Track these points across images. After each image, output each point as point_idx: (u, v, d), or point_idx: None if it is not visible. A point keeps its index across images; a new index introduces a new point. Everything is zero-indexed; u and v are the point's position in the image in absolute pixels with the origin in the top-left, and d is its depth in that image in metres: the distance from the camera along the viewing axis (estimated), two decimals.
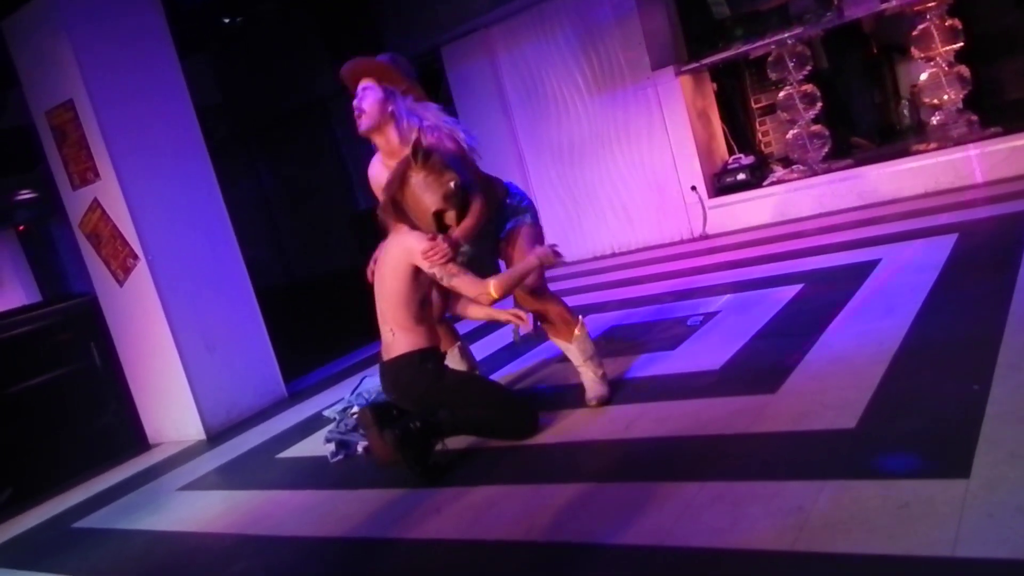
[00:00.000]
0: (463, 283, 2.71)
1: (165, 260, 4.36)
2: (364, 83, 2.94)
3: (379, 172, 3.02)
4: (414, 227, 2.75)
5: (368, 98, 2.92)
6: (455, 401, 2.83)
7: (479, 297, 2.74)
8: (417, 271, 2.74)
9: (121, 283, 4.44)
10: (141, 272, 4.33)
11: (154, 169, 4.39)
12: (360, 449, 3.30)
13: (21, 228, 11.27)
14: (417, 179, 2.70)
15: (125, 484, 3.96)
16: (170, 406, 4.51)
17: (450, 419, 2.79)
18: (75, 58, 4.16)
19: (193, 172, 4.59)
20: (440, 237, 2.71)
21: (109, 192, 4.31)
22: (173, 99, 4.56)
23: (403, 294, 2.76)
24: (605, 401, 2.96)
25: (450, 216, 2.74)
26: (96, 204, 4.40)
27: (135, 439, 4.64)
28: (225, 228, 4.70)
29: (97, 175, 4.32)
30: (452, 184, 2.68)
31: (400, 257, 2.74)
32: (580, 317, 3.09)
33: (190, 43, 5.80)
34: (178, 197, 4.49)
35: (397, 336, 2.81)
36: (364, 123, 2.94)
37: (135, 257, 4.31)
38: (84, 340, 4.61)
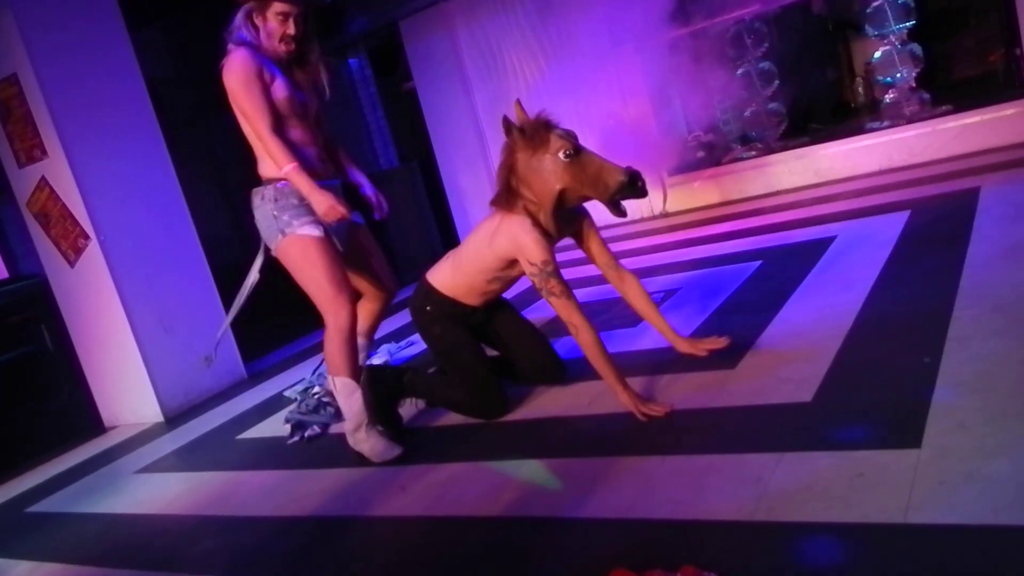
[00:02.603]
0: (560, 305, 2.51)
1: (118, 240, 4.26)
2: (297, 10, 2.71)
3: (253, 66, 2.66)
4: (536, 210, 2.53)
5: (301, 28, 2.74)
6: (437, 354, 2.86)
7: (568, 327, 2.55)
8: (514, 262, 2.61)
9: (72, 264, 4.33)
10: (93, 252, 4.22)
11: (104, 145, 4.28)
12: (318, 430, 3.29)
13: None
14: (524, 159, 2.50)
15: (81, 468, 3.89)
16: (126, 388, 4.43)
17: (422, 384, 2.87)
18: (19, 30, 4.02)
19: (145, 148, 4.48)
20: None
21: (57, 170, 4.18)
22: (124, 73, 4.44)
23: (481, 265, 2.67)
24: None
25: (574, 192, 2.49)
26: (44, 183, 4.27)
27: (90, 422, 4.55)
28: (180, 205, 4.60)
29: (44, 152, 4.19)
30: (562, 153, 2.44)
31: (505, 246, 2.57)
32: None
33: (142, 14, 5.62)
34: (130, 174, 4.38)
35: (442, 269, 2.78)
36: (292, 52, 2.75)
37: (86, 237, 4.21)
38: (35, 322, 4.49)
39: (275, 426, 3.56)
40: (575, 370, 3.00)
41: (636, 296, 2.72)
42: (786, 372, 2.50)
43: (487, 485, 2.35)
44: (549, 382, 2.96)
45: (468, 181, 7.24)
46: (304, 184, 2.63)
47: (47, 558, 2.81)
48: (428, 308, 2.79)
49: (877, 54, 5.79)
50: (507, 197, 2.56)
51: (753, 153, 6.09)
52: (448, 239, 7.30)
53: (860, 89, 7.03)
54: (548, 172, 2.46)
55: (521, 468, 2.40)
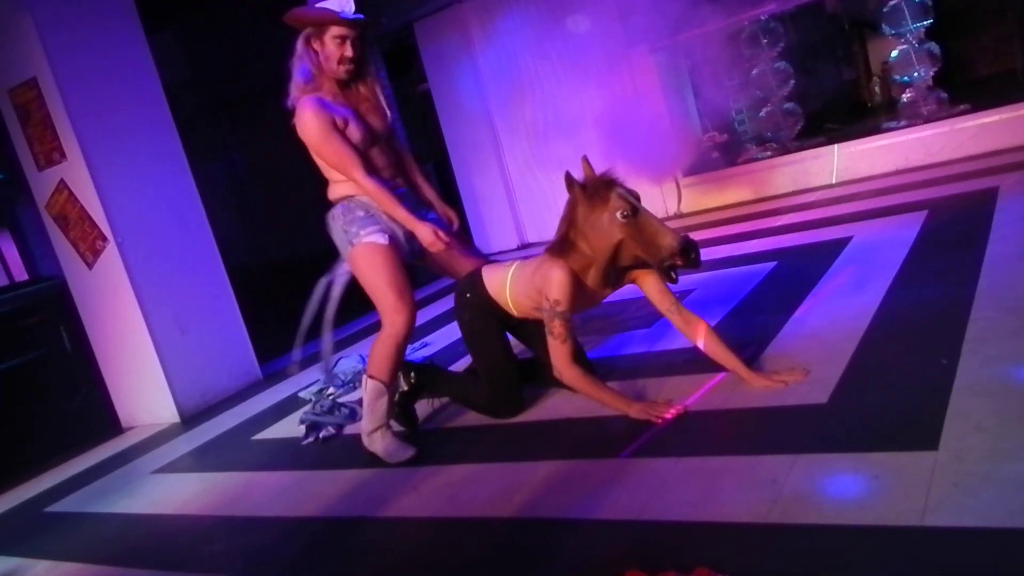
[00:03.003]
0: (554, 347, 2.59)
1: (135, 242, 4.30)
2: (355, 33, 2.76)
3: (326, 118, 2.72)
4: (588, 263, 2.57)
5: (358, 49, 2.79)
6: (465, 341, 2.89)
7: (553, 369, 2.64)
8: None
9: (90, 266, 4.37)
10: (111, 254, 4.26)
11: (122, 149, 4.32)
12: (332, 431, 3.30)
13: None
14: (584, 214, 2.53)
15: (98, 468, 3.92)
16: (143, 389, 4.46)
17: (440, 380, 2.96)
18: (38, 35, 4.07)
19: (162, 151, 4.51)
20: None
21: (76, 173, 4.23)
22: (140, 76, 4.48)
23: (524, 290, 2.70)
24: None
25: (628, 251, 2.51)
26: (63, 185, 4.31)
27: (108, 423, 4.59)
28: (196, 208, 4.64)
29: (63, 155, 4.23)
30: (620, 213, 2.46)
31: (540, 280, 2.61)
32: None
33: (157, 18, 5.68)
34: (147, 177, 4.42)
35: (498, 274, 2.79)
36: (351, 72, 2.79)
37: (104, 239, 4.24)
38: (53, 323, 4.54)
39: (290, 427, 3.57)
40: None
41: (706, 340, 2.64)
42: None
43: (499, 486, 2.35)
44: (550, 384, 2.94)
45: (482, 182, 7.24)
46: (403, 218, 2.74)
47: (65, 557, 2.84)
48: (468, 295, 2.82)
49: (894, 53, 5.74)
50: (561, 246, 2.60)
51: (768, 153, 6.06)
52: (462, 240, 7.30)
53: (877, 88, 6.98)
54: (605, 230, 2.50)
55: (533, 470, 2.40)
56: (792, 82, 6.00)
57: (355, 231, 2.79)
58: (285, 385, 4.47)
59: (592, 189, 2.51)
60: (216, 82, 8.61)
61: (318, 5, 2.73)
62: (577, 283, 2.58)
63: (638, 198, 2.54)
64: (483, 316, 2.80)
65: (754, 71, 6.07)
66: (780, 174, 5.83)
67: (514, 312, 2.79)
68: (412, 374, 3.01)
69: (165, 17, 7.22)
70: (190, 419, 4.34)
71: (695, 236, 5.21)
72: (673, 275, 2.52)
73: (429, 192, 3.09)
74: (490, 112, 7.01)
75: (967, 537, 1.50)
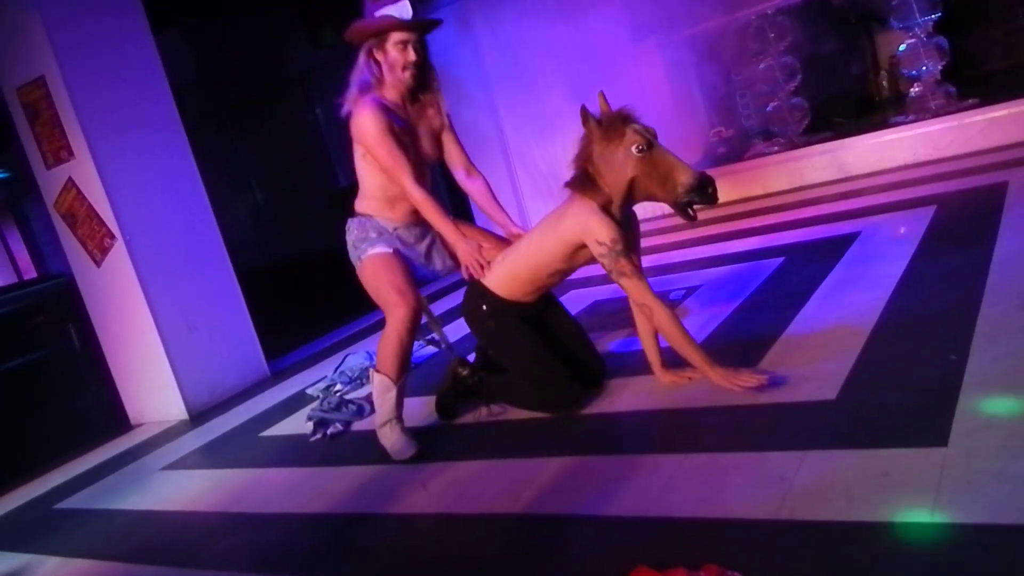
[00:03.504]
0: (631, 285, 2.51)
1: (143, 240, 4.31)
2: (415, 35, 2.77)
3: (385, 120, 2.74)
4: (608, 200, 2.52)
5: (421, 52, 2.80)
6: (493, 350, 2.86)
7: (642, 308, 2.56)
8: (580, 248, 2.58)
9: (98, 263, 4.38)
10: (119, 252, 4.27)
11: (130, 147, 4.32)
12: (340, 427, 3.31)
13: None
14: (599, 150, 2.50)
15: (107, 465, 3.94)
16: (152, 387, 4.48)
17: (495, 384, 2.89)
18: (46, 33, 4.07)
19: (170, 150, 4.52)
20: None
21: (84, 171, 4.24)
22: (148, 75, 4.48)
23: (545, 256, 2.64)
24: None
25: (643, 187, 2.47)
26: (71, 183, 4.33)
27: (117, 420, 4.61)
28: (203, 207, 4.65)
29: (71, 154, 4.24)
30: (635, 148, 2.43)
31: (572, 229, 2.55)
32: None
33: (164, 18, 5.68)
34: (155, 176, 4.42)
35: (496, 271, 2.75)
36: (416, 77, 2.81)
37: (112, 237, 4.26)
38: (62, 321, 4.56)
39: (297, 424, 3.58)
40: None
41: (646, 331, 2.70)
42: (809, 370, 2.47)
43: (508, 483, 2.35)
44: (588, 384, 2.88)
45: (487, 174, 7.20)
46: (445, 229, 2.80)
47: (74, 554, 2.85)
48: (484, 307, 2.76)
49: (902, 47, 5.71)
50: (583, 183, 2.56)
51: (775, 148, 6.04)
52: None
53: (885, 83, 6.94)
54: (620, 165, 2.46)
55: (542, 466, 2.40)
56: (799, 76, 5.98)
57: (364, 247, 2.87)
58: (292, 382, 4.48)
59: (607, 123, 2.48)
60: (223, 82, 8.62)
61: (377, 14, 2.75)
62: (617, 221, 2.52)
63: (655, 135, 2.50)
64: (507, 320, 2.75)
65: (761, 65, 6.04)
66: (787, 169, 5.81)
67: (530, 299, 2.74)
68: (476, 377, 2.95)
69: (172, 15, 7.22)
70: (198, 416, 4.36)
71: (700, 233, 5.22)
72: (691, 212, 2.48)
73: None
74: (495, 106, 7.00)
75: (977, 534, 1.49)
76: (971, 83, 5.78)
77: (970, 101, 5.29)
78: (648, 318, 2.57)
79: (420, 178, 2.82)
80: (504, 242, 2.95)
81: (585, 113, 2.52)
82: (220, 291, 4.65)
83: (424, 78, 2.87)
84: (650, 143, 2.45)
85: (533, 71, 6.68)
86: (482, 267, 2.76)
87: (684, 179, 2.41)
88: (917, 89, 5.61)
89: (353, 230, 2.93)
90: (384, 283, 2.79)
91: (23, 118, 4.39)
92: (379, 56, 2.78)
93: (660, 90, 6.13)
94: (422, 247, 2.97)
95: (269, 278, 7.76)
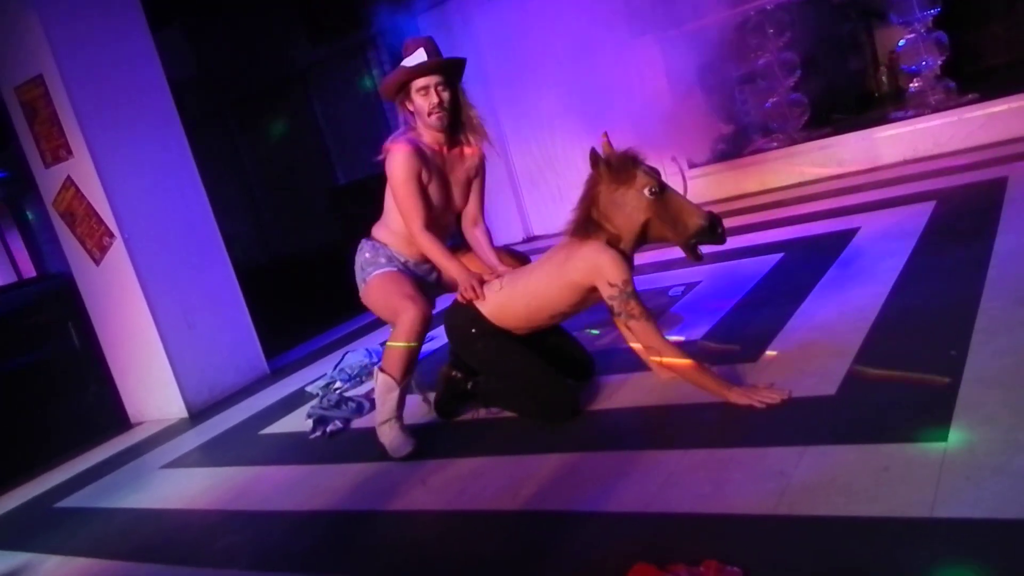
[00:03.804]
0: (640, 328, 2.45)
1: (142, 238, 4.30)
2: (438, 77, 2.79)
3: (415, 165, 2.80)
4: (616, 239, 2.49)
5: (447, 93, 2.82)
6: (485, 370, 2.82)
7: (648, 351, 2.53)
8: (590, 290, 2.53)
9: (98, 262, 4.38)
10: (118, 251, 4.27)
11: (128, 146, 4.32)
12: (340, 425, 3.31)
13: None
14: (607, 193, 2.48)
15: (107, 463, 3.94)
16: (151, 385, 4.48)
17: (491, 390, 2.85)
18: (44, 32, 4.07)
19: (169, 148, 4.52)
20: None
21: (83, 170, 4.23)
22: (146, 73, 4.47)
23: (549, 300, 2.60)
24: None
25: (655, 229, 2.47)
26: (69, 182, 4.32)
27: (116, 418, 4.61)
28: (203, 204, 4.64)
29: (70, 152, 4.24)
30: (648, 190, 2.42)
31: (581, 269, 2.50)
32: None
33: (164, 16, 5.68)
34: (154, 174, 4.42)
35: (493, 298, 2.70)
36: (446, 119, 2.85)
37: (111, 235, 4.25)
38: (62, 320, 4.56)
39: (297, 421, 3.58)
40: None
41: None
42: (809, 365, 2.47)
43: (507, 479, 2.35)
44: (579, 377, 2.91)
45: (487, 175, 7.21)
46: (452, 269, 2.85)
47: (75, 553, 2.86)
48: (474, 330, 2.72)
49: (901, 42, 5.70)
50: (585, 228, 2.54)
51: (775, 144, 6.03)
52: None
53: (884, 78, 6.93)
54: (632, 208, 2.46)
55: (541, 463, 2.40)
56: (798, 72, 5.97)
57: (370, 270, 2.92)
58: (292, 380, 4.48)
59: (617, 166, 2.46)
60: (223, 80, 8.61)
61: (401, 65, 2.81)
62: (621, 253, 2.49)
63: (659, 175, 2.51)
64: (493, 337, 2.71)
65: (760, 61, 6.03)
66: (787, 165, 5.80)
67: (524, 332, 2.72)
68: (469, 383, 2.91)
69: (171, 13, 7.22)
70: (198, 414, 4.36)
71: None
72: (699, 252, 2.50)
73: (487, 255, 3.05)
74: (494, 104, 6.99)
75: (977, 529, 1.49)
76: (971, 78, 5.77)
77: (970, 96, 5.28)
78: (656, 361, 2.55)
79: (440, 221, 2.92)
80: (513, 265, 2.97)
81: (595, 155, 2.49)
82: (219, 289, 4.65)
83: (459, 120, 2.91)
84: (662, 185, 2.46)
85: (531, 68, 6.67)
86: (475, 291, 2.71)
87: (695, 221, 2.44)
88: (917, 84, 5.60)
89: (366, 251, 2.98)
90: (393, 293, 2.81)
91: (21, 117, 4.38)
92: (410, 107, 2.87)
93: (658, 86, 6.11)
94: (431, 278, 3.06)
95: (268, 276, 7.77)
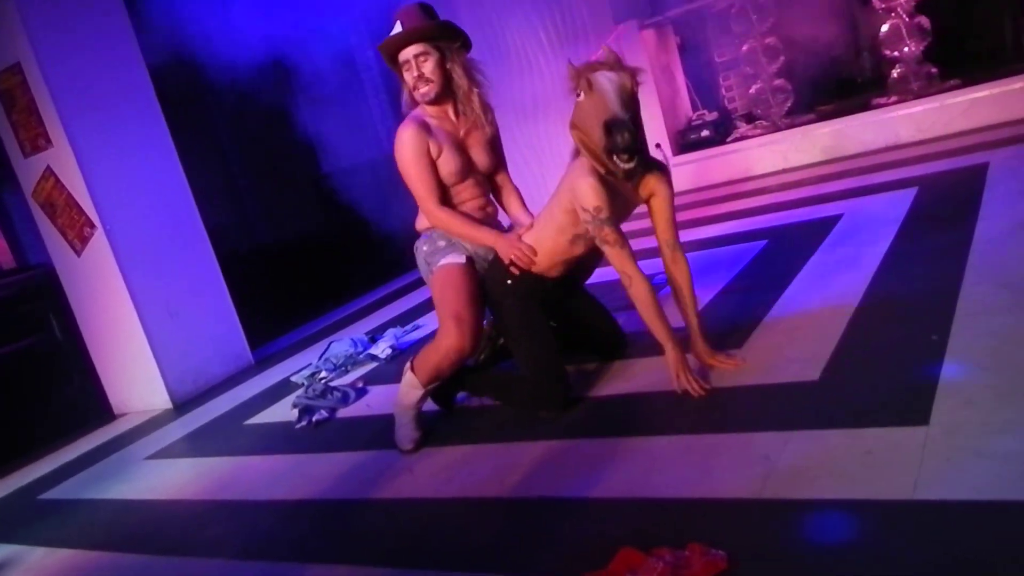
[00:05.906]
0: (613, 254, 2.43)
1: (123, 228, 4.26)
2: (417, 48, 2.69)
3: (420, 143, 2.70)
4: (593, 151, 2.35)
5: (429, 63, 2.70)
6: (504, 325, 2.73)
7: (621, 277, 2.46)
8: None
9: (79, 253, 4.34)
10: (99, 241, 4.23)
11: (108, 134, 4.27)
12: (325, 414, 3.30)
13: None
14: (579, 103, 2.36)
15: (92, 455, 3.92)
16: (135, 376, 4.45)
17: (483, 381, 2.84)
18: (21, 19, 4.00)
19: (149, 135, 4.47)
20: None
21: (62, 159, 4.18)
22: (126, 59, 4.42)
23: (555, 225, 2.54)
24: None
25: (623, 137, 2.24)
26: (49, 172, 4.27)
27: (100, 410, 4.58)
28: (184, 194, 4.60)
29: (49, 142, 4.18)
30: (578, 93, 2.31)
31: (566, 194, 2.46)
32: None
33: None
34: (134, 163, 4.37)
35: (527, 241, 2.63)
36: (432, 91, 2.71)
37: (92, 226, 4.21)
38: (43, 312, 4.51)
39: (282, 411, 3.57)
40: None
41: (681, 282, 2.58)
42: (793, 351, 2.49)
43: (494, 467, 2.36)
44: (611, 355, 2.92)
45: None
46: (480, 238, 2.72)
47: (60, 544, 2.84)
48: (509, 282, 2.64)
49: (884, 27, 5.71)
50: (576, 149, 2.47)
51: (758, 131, 6.04)
52: None
53: (866, 64, 6.94)
54: (578, 118, 2.38)
55: (527, 450, 2.41)
56: (781, 58, 5.98)
57: (436, 259, 2.78)
58: (277, 370, 4.46)
59: (573, 75, 2.35)
60: (204, 64, 8.51)
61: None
62: (607, 184, 2.39)
63: (634, 75, 2.37)
64: (525, 301, 2.63)
65: (744, 47, 6.03)
66: (770, 152, 5.82)
67: (557, 272, 2.65)
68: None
69: None
70: (182, 405, 4.33)
71: (683, 216, 5.21)
72: (624, 168, 2.30)
73: (522, 215, 2.98)
74: None
75: (958, 511, 1.51)
76: (953, 64, 5.79)
77: (952, 82, 5.31)
78: (627, 287, 2.48)
79: (464, 198, 2.80)
80: None
81: (571, 67, 2.39)
82: (202, 279, 4.62)
83: (450, 90, 2.78)
84: (589, 86, 2.29)
85: (517, 56, 6.65)
86: (524, 253, 2.61)
87: (599, 133, 2.26)
88: (899, 70, 5.62)
89: (423, 247, 2.84)
90: (447, 303, 2.68)
91: None
92: (404, 85, 2.78)
93: (642, 72, 6.10)
94: (483, 249, 2.83)
95: (252, 265, 7.70)
